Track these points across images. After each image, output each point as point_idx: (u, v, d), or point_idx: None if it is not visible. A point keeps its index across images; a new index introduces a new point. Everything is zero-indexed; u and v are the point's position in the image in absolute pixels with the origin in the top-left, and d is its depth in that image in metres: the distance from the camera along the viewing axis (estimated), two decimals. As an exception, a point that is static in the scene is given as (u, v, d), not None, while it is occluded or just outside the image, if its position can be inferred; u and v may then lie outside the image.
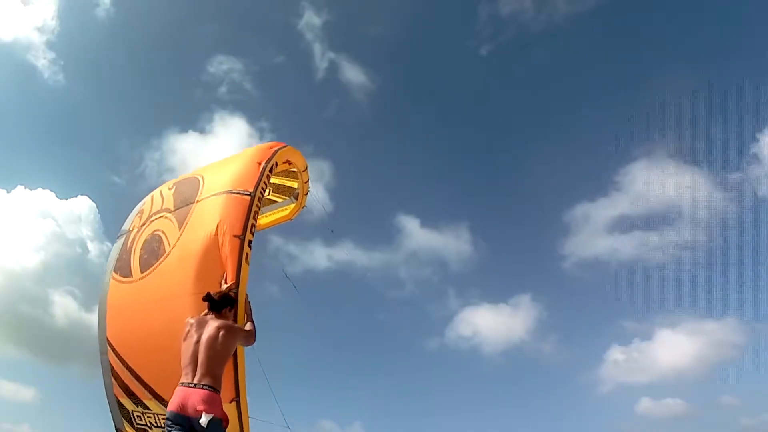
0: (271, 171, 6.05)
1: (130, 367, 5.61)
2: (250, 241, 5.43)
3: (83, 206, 14.73)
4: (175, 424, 4.13)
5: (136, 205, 6.64)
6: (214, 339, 4.36)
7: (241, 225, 5.37)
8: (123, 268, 5.94)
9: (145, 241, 5.91)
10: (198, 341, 4.36)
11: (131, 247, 6.01)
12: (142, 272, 5.73)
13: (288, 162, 6.84)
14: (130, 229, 6.26)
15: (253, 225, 5.53)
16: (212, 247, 5.30)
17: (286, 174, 7.55)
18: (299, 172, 7.41)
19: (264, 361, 5.41)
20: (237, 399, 5.28)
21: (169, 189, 6.36)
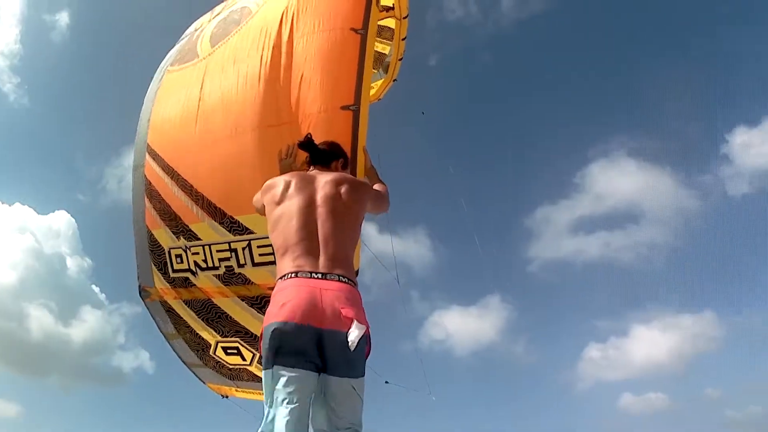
0: None
1: (176, 174, 3.66)
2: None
3: (62, 221, 14.53)
4: (293, 340, 2.14)
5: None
6: (335, 199, 2.47)
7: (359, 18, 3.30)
8: (185, 58, 4.15)
9: (221, 20, 4.17)
10: (311, 204, 2.45)
11: (198, 36, 4.26)
12: (212, 46, 3.94)
13: None
14: (198, 27, 4.53)
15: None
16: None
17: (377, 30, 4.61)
18: (398, 19, 4.84)
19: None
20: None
21: None
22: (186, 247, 3.65)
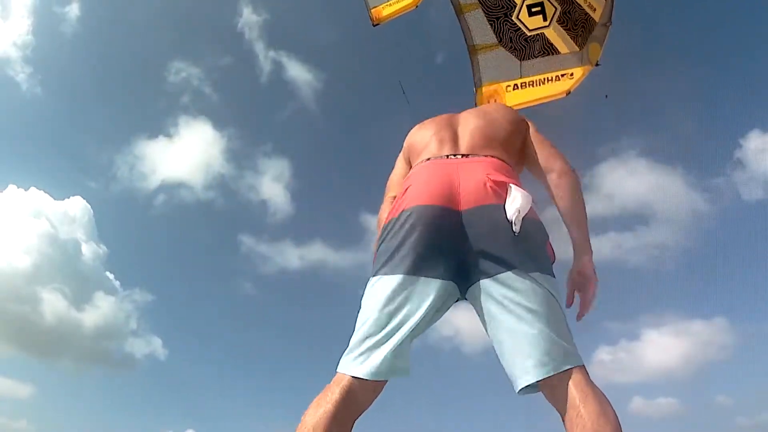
0: None
1: None
2: None
3: (77, 207, 14.10)
4: (419, 232, 1.49)
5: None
6: (479, 111, 1.98)
7: None
8: None
9: None
10: (451, 118, 1.94)
11: None
12: None
13: None
14: None
15: None
16: None
17: None
18: None
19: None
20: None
21: None
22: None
